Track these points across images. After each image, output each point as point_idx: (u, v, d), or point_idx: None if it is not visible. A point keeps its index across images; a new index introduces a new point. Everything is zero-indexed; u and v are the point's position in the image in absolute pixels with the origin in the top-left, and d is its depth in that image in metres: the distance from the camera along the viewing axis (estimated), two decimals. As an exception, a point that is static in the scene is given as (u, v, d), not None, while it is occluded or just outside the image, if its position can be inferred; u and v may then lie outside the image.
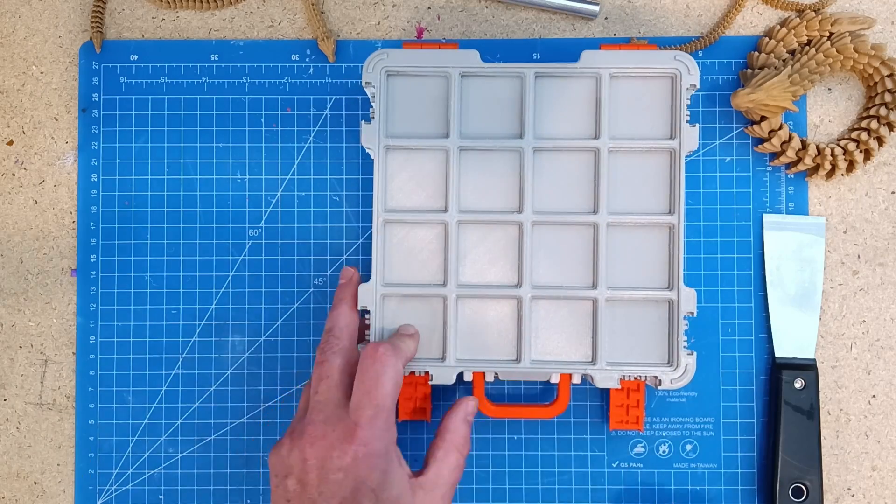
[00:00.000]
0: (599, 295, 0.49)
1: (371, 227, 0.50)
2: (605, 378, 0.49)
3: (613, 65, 0.49)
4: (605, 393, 0.53)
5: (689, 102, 0.49)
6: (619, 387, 0.49)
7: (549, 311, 0.50)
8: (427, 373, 0.49)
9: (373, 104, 0.50)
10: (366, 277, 0.50)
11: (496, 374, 0.50)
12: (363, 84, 0.50)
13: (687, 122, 0.49)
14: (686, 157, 0.49)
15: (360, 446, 0.43)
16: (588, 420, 0.53)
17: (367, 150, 0.50)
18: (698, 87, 0.50)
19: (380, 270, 0.49)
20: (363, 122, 0.50)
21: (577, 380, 0.49)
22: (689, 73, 0.49)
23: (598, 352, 0.49)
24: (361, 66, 0.53)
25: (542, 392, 0.52)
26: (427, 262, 0.50)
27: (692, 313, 0.49)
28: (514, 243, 0.50)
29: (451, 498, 0.46)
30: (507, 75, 0.50)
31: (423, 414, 0.50)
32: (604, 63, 0.49)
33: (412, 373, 0.49)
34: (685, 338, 0.49)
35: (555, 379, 0.49)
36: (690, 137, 0.49)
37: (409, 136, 0.50)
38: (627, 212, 0.50)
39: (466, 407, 0.48)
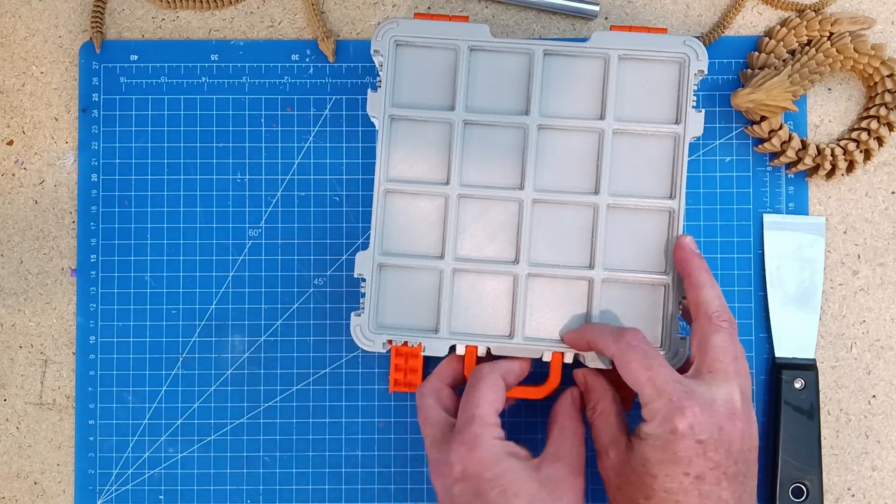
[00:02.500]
0: (596, 276, 0.49)
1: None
2: (597, 358, 0.49)
3: (623, 46, 0.49)
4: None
5: (696, 88, 0.50)
6: (611, 367, 0.49)
7: (544, 290, 0.50)
8: (420, 344, 0.49)
9: (380, 73, 0.50)
10: (364, 245, 0.50)
11: (489, 349, 0.49)
12: (371, 52, 0.50)
13: (693, 107, 0.49)
14: (690, 142, 0.49)
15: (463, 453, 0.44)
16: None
17: (372, 119, 0.50)
18: (706, 73, 0.50)
19: (378, 239, 0.50)
20: (370, 90, 0.50)
21: (568, 359, 0.49)
22: (698, 58, 0.49)
23: None
24: (361, 67, 0.54)
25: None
26: (426, 233, 0.50)
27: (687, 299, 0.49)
28: (514, 220, 0.50)
29: (581, 470, 0.46)
30: (516, 51, 0.50)
31: (412, 387, 0.50)
32: (613, 44, 0.49)
33: (405, 343, 0.49)
34: (679, 323, 0.49)
35: (547, 357, 0.49)
36: (696, 123, 0.49)
37: (415, 107, 0.50)
38: (628, 194, 0.50)
39: (572, 393, 0.49)
